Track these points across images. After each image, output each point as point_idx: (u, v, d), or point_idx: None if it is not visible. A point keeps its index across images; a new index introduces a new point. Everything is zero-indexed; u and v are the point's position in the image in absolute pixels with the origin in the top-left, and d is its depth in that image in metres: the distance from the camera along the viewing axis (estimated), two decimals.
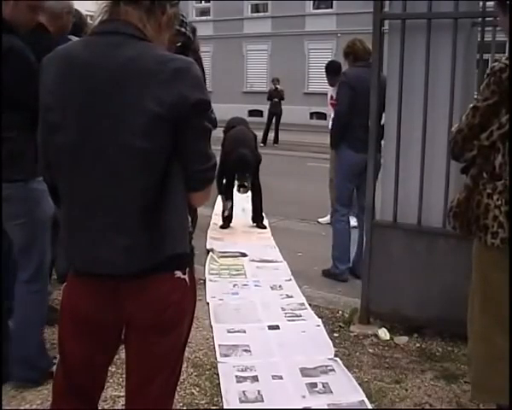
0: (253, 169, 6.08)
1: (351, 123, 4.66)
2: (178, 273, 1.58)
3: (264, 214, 6.44)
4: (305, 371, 3.09)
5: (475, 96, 2.37)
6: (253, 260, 5.11)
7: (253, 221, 6.46)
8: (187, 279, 1.61)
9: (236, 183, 6.10)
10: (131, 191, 1.49)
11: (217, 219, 6.47)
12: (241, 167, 5.96)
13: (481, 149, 2.28)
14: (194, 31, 4.17)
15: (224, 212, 6.23)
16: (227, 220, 6.28)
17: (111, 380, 2.84)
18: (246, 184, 6.07)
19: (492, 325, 2.37)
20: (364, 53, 4.72)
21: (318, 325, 3.73)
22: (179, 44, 3.31)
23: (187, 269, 1.61)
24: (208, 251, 5.28)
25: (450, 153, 2.52)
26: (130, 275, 1.53)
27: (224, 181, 6.12)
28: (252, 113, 22.36)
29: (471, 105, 2.30)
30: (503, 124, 2.21)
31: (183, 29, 4.10)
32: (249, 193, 6.26)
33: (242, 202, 6.64)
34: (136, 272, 1.52)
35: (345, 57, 4.98)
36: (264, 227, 6.34)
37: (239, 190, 6.14)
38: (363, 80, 4.39)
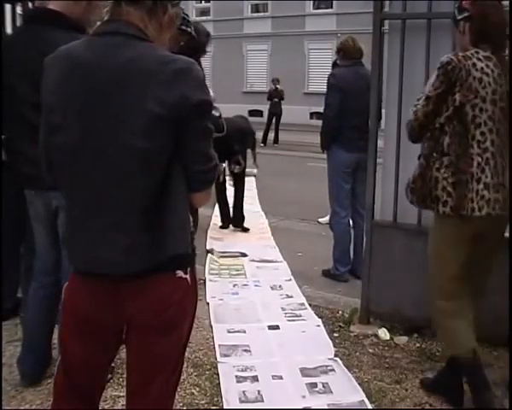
0: (247, 147, 6.03)
1: (341, 125, 4.68)
2: (179, 273, 1.58)
3: (263, 214, 6.44)
4: (305, 371, 3.09)
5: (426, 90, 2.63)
6: (253, 260, 5.11)
7: (235, 223, 6.28)
8: (188, 279, 1.61)
9: (232, 159, 6.04)
10: (132, 191, 1.49)
11: (217, 219, 6.47)
12: (241, 136, 5.92)
13: (432, 132, 2.61)
14: (208, 35, 4.22)
15: (218, 177, 6.18)
16: (226, 220, 6.28)
17: (111, 380, 2.84)
18: (241, 161, 6.06)
19: (437, 291, 2.75)
20: (354, 51, 4.80)
21: (318, 325, 3.73)
22: (187, 47, 3.32)
23: (188, 269, 1.61)
24: (208, 251, 5.29)
25: (408, 138, 2.81)
26: (131, 275, 1.53)
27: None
28: (252, 113, 22.34)
29: (424, 96, 2.59)
30: (448, 107, 2.54)
31: (189, 29, 4.12)
32: (251, 192, 6.25)
33: None
34: (137, 272, 1.52)
35: (336, 53, 5.08)
36: (247, 230, 6.22)
37: (234, 168, 6.09)
38: (351, 81, 4.60)
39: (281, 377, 3.03)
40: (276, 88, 16.82)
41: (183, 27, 4.07)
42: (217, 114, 4.49)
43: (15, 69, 2.59)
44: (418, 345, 3.47)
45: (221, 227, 6.27)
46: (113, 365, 2.55)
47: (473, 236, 2.61)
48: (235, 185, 6.33)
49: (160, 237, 1.52)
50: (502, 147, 2.57)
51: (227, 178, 6.11)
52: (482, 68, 2.50)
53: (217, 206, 6.45)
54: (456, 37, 2.74)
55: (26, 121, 2.50)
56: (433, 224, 2.76)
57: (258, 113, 22.02)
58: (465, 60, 2.50)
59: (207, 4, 27.45)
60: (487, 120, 2.52)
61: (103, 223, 1.51)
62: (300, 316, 3.90)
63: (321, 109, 5.36)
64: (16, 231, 3.29)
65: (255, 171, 9.19)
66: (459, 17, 2.65)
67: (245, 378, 3.01)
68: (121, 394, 2.73)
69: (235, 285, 4.49)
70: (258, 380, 3.00)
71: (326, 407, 2.78)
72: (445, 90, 2.52)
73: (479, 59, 2.52)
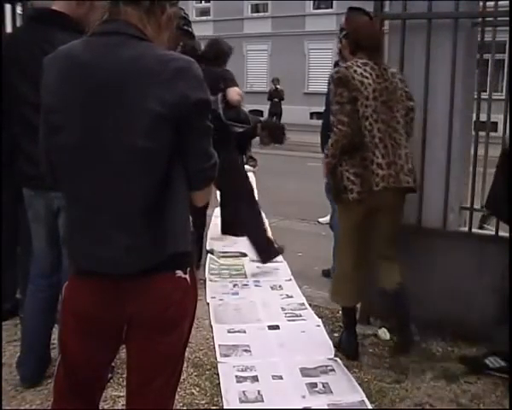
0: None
1: None
2: (180, 273, 1.58)
3: (263, 214, 6.38)
4: (305, 371, 3.09)
5: (333, 119, 3.05)
6: (253, 260, 5.11)
7: (225, 230, 5.94)
8: (188, 279, 1.61)
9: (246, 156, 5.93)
10: (133, 191, 1.49)
11: (217, 220, 6.46)
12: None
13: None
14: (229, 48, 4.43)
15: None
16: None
17: (111, 380, 2.84)
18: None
19: (348, 256, 3.25)
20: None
21: (318, 325, 3.73)
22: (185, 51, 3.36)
23: (188, 269, 1.61)
24: (208, 251, 5.28)
25: (341, 154, 3.08)
26: (132, 274, 1.53)
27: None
28: (252, 113, 22.29)
29: (336, 122, 3.03)
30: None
31: (190, 29, 4.16)
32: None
33: None
34: (138, 272, 1.52)
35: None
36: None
37: (251, 164, 5.99)
38: None
39: (281, 377, 3.03)
40: (276, 88, 16.83)
41: (185, 27, 4.09)
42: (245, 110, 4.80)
43: (18, 69, 2.59)
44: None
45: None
46: (113, 365, 2.56)
47: (373, 209, 3.09)
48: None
49: (161, 237, 1.52)
50: (390, 132, 3.06)
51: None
52: (361, 73, 3.03)
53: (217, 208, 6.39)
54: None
55: (28, 121, 2.50)
56: (339, 213, 3.31)
57: (259, 113, 22.00)
58: (347, 70, 3.04)
59: (207, 4, 27.44)
60: (372, 113, 3.02)
61: (104, 222, 1.51)
62: (300, 316, 3.90)
63: (321, 109, 5.34)
64: (13, 231, 3.29)
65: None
66: (340, 36, 3.33)
67: (245, 378, 3.01)
68: (121, 394, 2.73)
69: (235, 285, 4.49)
70: (258, 380, 3.00)
71: (326, 407, 2.78)
72: (346, 96, 3.01)
73: (358, 66, 3.05)
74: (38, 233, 2.79)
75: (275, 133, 5.87)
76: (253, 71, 25.77)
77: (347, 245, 3.25)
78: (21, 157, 2.66)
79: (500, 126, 3.46)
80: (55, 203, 2.59)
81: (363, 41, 3.11)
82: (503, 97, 3.76)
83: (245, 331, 3.61)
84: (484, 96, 3.59)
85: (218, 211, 6.40)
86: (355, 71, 3.04)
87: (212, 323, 3.72)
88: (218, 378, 3.02)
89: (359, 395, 2.87)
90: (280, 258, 5.24)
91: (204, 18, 26.72)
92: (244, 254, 5.29)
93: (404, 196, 3.21)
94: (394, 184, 3.04)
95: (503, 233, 3.31)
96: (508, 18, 3.17)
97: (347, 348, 3.33)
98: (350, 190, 3.03)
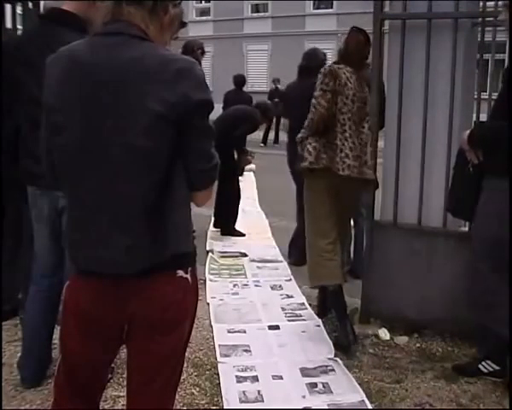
0: None
1: None
2: (180, 273, 1.58)
3: (263, 214, 6.40)
4: (305, 371, 3.10)
5: (316, 92, 3.44)
6: (253, 260, 5.11)
7: (225, 230, 6.08)
8: (189, 279, 1.61)
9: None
10: (134, 191, 1.49)
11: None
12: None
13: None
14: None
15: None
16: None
17: (111, 380, 2.84)
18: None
19: (315, 233, 3.56)
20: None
21: (318, 325, 3.73)
22: None
23: (189, 269, 1.61)
24: (208, 252, 5.28)
25: (313, 133, 3.48)
26: (133, 275, 1.53)
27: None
28: None
29: (316, 104, 3.41)
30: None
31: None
32: (252, 193, 6.22)
33: (242, 202, 6.62)
34: (139, 272, 1.52)
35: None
36: (242, 234, 6.11)
37: (249, 157, 6.30)
38: None
39: (281, 377, 3.03)
40: (277, 88, 16.81)
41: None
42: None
43: (27, 68, 2.57)
44: (418, 345, 3.47)
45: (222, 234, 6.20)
46: (112, 365, 2.55)
47: (334, 189, 3.47)
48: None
49: (162, 237, 1.52)
50: (358, 133, 3.49)
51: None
52: (347, 77, 3.45)
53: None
54: None
55: (35, 120, 2.50)
56: (304, 188, 3.66)
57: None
58: (338, 68, 3.46)
59: (207, 4, 27.42)
60: (348, 111, 3.44)
61: (105, 222, 1.51)
62: (300, 316, 3.90)
63: None
64: (17, 232, 3.28)
65: (253, 166, 9.17)
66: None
67: (245, 378, 3.01)
68: (121, 394, 2.73)
69: (235, 285, 4.49)
70: (258, 380, 3.00)
71: (326, 407, 2.78)
72: (331, 86, 3.41)
73: (346, 70, 3.47)
74: (41, 233, 2.78)
75: (266, 113, 6.24)
76: (253, 71, 25.74)
77: (314, 219, 3.58)
78: (27, 155, 2.66)
79: None
80: (60, 203, 2.59)
81: (351, 55, 3.52)
82: None
83: (245, 331, 3.61)
84: (484, 96, 3.58)
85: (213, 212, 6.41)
86: (344, 73, 3.45)
87: (212, 323, 3.72)
88: (218, 378, 3.02)
89: (359, 395, 2.87)
90: (280, 258, 5.25)
91: (204, 18, 26.71)
92: (244, 254, 5.29)
93: (363, 187, 3.59)
94: (357, 175, 3.44)
95: None
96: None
97: (343, 342, 3.39)
98: (305, 159, 3.44)
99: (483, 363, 3.04)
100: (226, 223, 6.05)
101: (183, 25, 1.68)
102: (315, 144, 3.44)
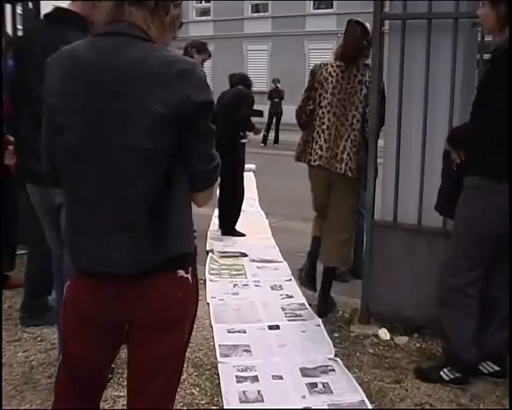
0: None
1: None
2: (181, 273, 1.58)
3: (263, 214, 6.40)
4: (305, 371, 3.10)
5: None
6: (253, 260, 5.11)
7: (226, 229, 6.10)
8: (190, 278, 1.61)
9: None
10: (136, 192, 1.49)
11: (216, 220, 6.45)
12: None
13: (309, 115, 3.85)
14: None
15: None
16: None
17: (111, 380, 2.84)
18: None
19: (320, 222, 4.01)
20: None
21: (318, 325, 3.73)
22: None
23: (190, 268, 1.61)
24: (208, 252, 5.28)
25: (301, 128, 3.92)
26: (134, 275, 1.53)
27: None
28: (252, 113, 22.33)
29: (300, 100, 3.89)
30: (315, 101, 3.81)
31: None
32: (252, 193, 6.23)
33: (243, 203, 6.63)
34: (140, 272, 1.52)
35: None
36: (243, 235, 6.11)
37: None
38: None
39: (281, 377, 3.03)
40: (277, 88, 16.81)
41: None
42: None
43: (32, 66, 2.58)
44: (418, 345, 3.47)
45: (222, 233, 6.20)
46: (112, 365, 2.55)
47: (324, 182, 3.83)
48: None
49: (163, 237, 1.52)
50: (337, 124, 3.71)
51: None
52: (330, 72, 3.72)
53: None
54: None
55: (38, 118, 2.50)
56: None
57: (259, 113, 22.00)
58: (320, 67, 3.80)
59: (207, 4, 27.44)
60: (327, 104, 3.72)
61: (106, 223, 1.51)
62: (300, 316, 3.90)
63: None
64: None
65: (253, 166, 9.16)
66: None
67: (245, 378, 3.01)
68: (121, 394, 2.73)
69: (235, 285, 4.49)
70: (258, 380, 3.00)
71: (326, 407, 2.78)
72: (311, 83, 3.82)
73: (331, 66, 3.75)
74: (47, 225, 2.78)
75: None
76: (253, 71, 25.72)
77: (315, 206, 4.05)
78: (28, 153, 2.66)
79: None
80: (56, 200, 2.59)
81: (346, 47, 3.78)
82: None
83: (245, 331, 3.61)
84: None
85: (217, 211, 6.41)
86: (326, 69, 3.76)
87: (212, 323, 3.73)
88: (218, 378, 3.02)
89: (359, 395, 2.87)
90: (280, 258, 5.25)
91: (204, 18, 26.74)
92: (244, 254, 5.29)
93: (343, 181, 3.75)
94: (326, 165, 3.71)
95: None
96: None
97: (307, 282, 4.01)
98: (307, 154, 3.82)
99: (483, 364, 3.02)
100: (228, 222, 6.06)
101: (181, 25, 1.68)
102: (301, 139, 3.85)
